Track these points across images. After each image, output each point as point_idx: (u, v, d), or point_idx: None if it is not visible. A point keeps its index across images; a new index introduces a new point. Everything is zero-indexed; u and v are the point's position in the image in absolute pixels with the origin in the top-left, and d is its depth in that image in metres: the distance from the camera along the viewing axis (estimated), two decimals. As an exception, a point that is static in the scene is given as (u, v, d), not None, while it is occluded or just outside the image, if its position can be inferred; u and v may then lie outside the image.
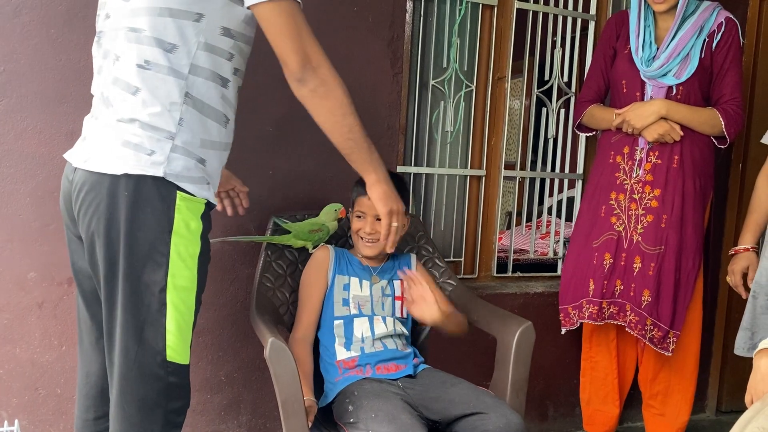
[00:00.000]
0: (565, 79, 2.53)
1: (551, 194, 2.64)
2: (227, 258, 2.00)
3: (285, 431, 1.45)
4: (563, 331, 2.22)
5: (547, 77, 2.51)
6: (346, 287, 1.75)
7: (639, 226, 2.11)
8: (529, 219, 2.63)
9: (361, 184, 1.79)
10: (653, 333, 2.09)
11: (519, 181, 2.54)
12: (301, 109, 2.06)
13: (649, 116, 2.05)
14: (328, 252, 1.79)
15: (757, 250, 1.94)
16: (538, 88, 2.51)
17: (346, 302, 1.74)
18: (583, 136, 2.47)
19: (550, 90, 2.52)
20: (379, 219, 1.73)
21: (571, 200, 2.70)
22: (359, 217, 1.76)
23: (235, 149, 1.99)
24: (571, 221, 2.65)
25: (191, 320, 1.29)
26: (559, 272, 2.63)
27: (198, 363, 2.02)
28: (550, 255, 2.67)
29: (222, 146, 1.36)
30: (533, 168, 2.67)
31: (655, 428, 2.29)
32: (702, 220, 2.14)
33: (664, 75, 2.07)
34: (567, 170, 2.61)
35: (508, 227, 3.60)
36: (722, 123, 2.06)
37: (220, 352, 2.04)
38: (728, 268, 2.00)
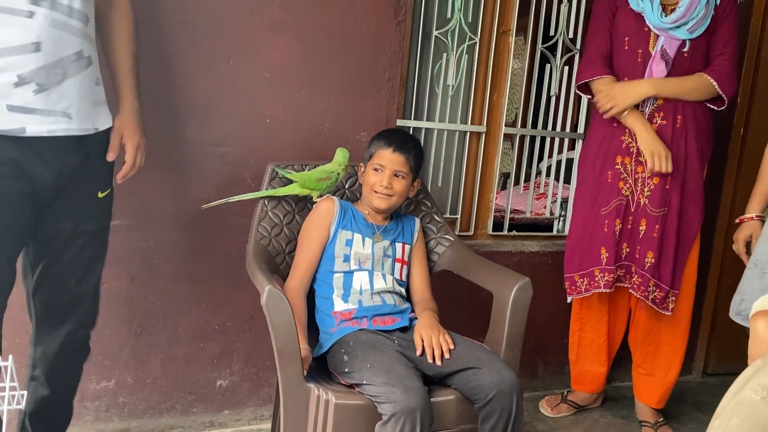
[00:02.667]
0: (570, 35, 2.47)
1: (551, 155, 2.61)
2: (221, 207, 1.97)
3: (280, 379, 1.44)
4: (569, 299, 2.21)
5: (552, 33, 2.45)
6: (349, 243, 1.72)
7: (646, 189, 2.09)
8: (526, 179, 2.60)
9: (381, 137, 1.76)
10: (655, 294, 2.10)
11: (519, 139, 2.51)
12: (300, 53, 2.01)
13: (635, 95, 2.02)
14: (333, 204, 1.75)
15: (763, 218, 1.95)
16: (542, 44, 2.45)
17: (347, 258, 1.72)
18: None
19: (554, 46, 2.47)
20: (396, 175, 1.72)
21: (570, 161, 2.67)
22: (377, 170, 1.73)
23: (230, 96, 1.97)
24: (569, 183, 2.63)
25: None
26: (554, 232, 2.63)
27: (191, 311, 2.01)
28: (546, 215, 2.66)
29: None
30: (534, 127, 2.63)
31: (642, 388, 2.32)
32: (701, 181, 2.13)
33: (678, 27, 2.02)
34: (568, 129, 2.57)
35: (504, 188, 3.58)
36: (715, 84, 2.03)
37: (214, 300, 2.03)
38: (734, 236, 2.01)
